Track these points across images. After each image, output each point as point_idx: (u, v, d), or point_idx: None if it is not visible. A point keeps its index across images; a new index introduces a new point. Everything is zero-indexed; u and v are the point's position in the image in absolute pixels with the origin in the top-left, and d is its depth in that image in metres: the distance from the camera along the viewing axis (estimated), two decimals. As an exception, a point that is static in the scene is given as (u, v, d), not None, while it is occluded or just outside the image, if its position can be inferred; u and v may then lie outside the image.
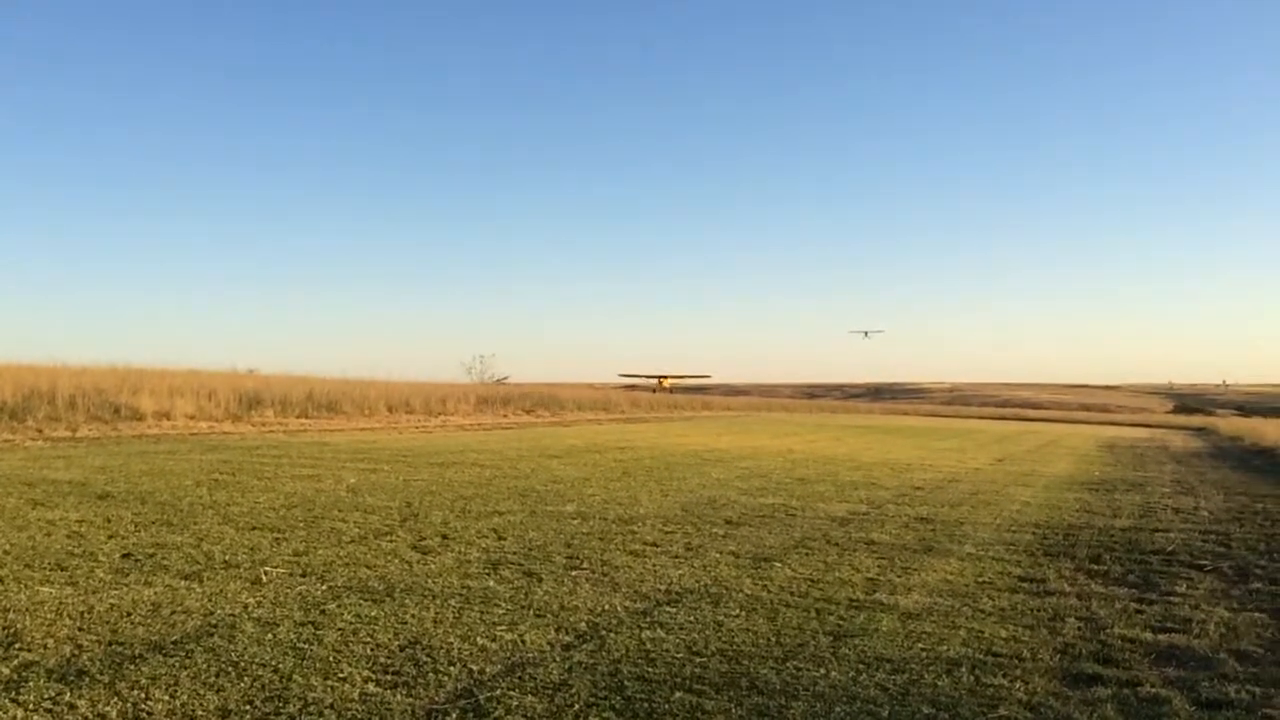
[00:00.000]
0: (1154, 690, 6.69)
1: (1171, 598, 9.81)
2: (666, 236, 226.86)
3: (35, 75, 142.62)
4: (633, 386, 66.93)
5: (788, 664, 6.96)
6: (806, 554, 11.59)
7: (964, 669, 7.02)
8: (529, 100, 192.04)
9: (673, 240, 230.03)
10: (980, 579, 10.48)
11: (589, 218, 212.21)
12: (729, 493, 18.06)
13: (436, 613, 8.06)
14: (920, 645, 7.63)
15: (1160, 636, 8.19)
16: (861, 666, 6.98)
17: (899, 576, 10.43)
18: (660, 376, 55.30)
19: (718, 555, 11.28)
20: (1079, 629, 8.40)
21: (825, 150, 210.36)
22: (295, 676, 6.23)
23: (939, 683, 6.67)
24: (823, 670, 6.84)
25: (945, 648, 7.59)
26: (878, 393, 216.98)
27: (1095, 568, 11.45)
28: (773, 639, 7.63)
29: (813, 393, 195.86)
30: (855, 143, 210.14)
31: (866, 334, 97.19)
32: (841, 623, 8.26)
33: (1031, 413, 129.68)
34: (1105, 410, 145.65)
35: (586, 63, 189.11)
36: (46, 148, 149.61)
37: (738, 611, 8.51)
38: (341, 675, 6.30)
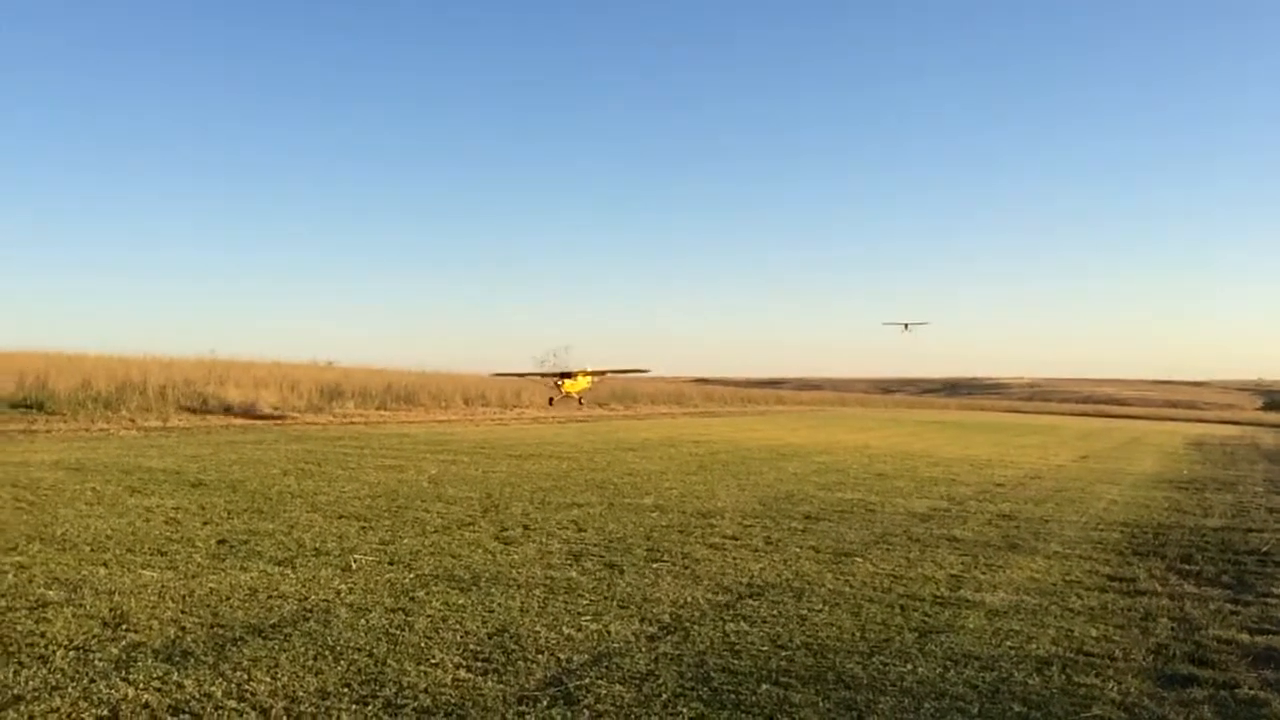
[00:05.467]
0: (1252, 692, 6.53)
1: (1268, 599, 9.54)
2: (734, 235, 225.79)
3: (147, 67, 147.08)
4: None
5: (873, 659, 6.93)
6: (888, 550, 11.51)
7: (1054, 668, 6.93)
8: (601, 98, 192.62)
9: (740, 238, 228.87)
10: (1068, 577, 10.31)
11: (661, 213, 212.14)
12: (806, 487, 17.98)
13: (522, 602, 8.18)
14: (1008, 643, 7.54)
15: (1258, 638, 7.98)
16: (949, 663, 6.92)
17: (984, 573, 10.30)
18: (562, 375, 37.40)
19: (798, 550, 11.26)
20: (1172, 629, 8.23)
21: (903, 142, 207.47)
22: (389, 661, 6.39)
23: (1029, 681, 6.60)
24: (909, 666, 6.80)
25: (1034, 646, 7.49)
26: (954, 388, 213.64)
27: (1187, 568, 11.17)
28: (857, 634, 7.60)
29: (887, 387, 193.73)
30: (930, 134, 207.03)
31: (906, 326, 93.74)
32: (927, 619, 8.20)
33: (1115, 409, 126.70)
34: (1192, 407, 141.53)
35: (675, 60, 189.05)
36: (135, 146, 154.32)
37: (821, 606, 8.49)
38: (433, 661, 6.44)
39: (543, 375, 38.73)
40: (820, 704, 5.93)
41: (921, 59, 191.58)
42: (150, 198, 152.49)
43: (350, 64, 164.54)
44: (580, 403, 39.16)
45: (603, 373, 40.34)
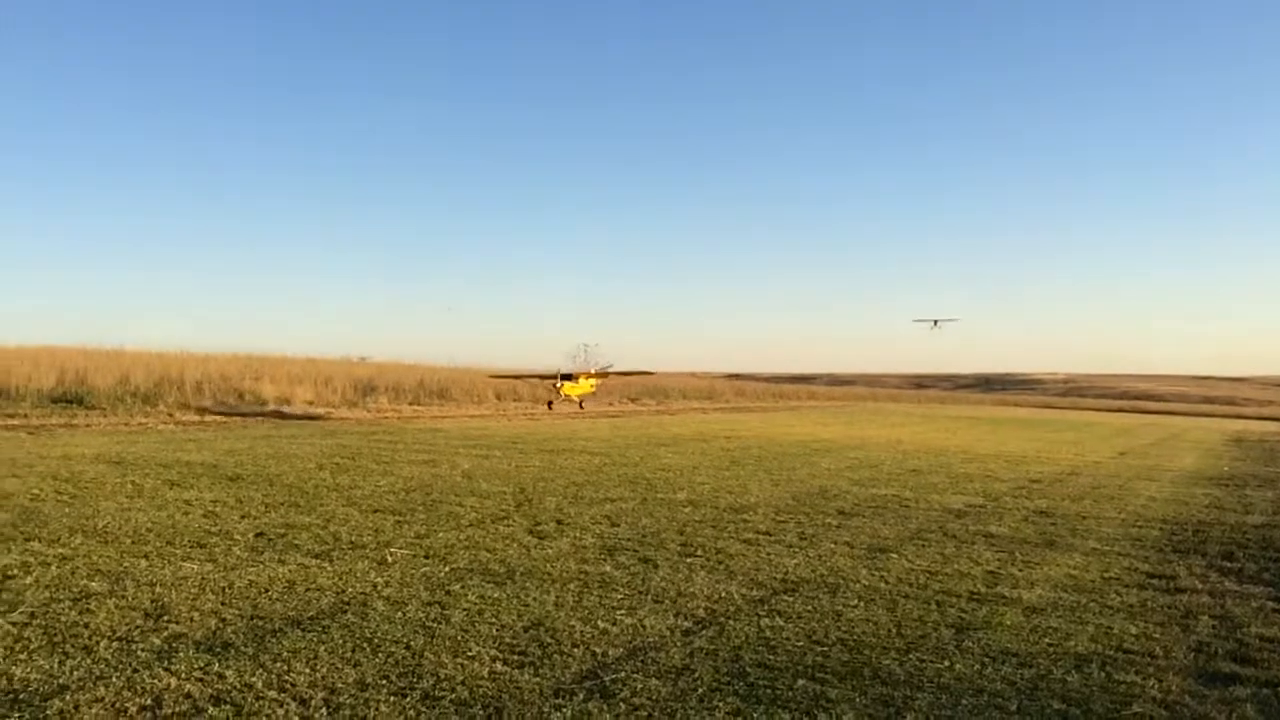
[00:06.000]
0: (1298, 692, 6.43)
1: (1313, 598, 9.39)
2: (766, 231, 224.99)
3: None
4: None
5: (910, 655, 6.89)
6: (923, 546, 11.44)
7: (1094, 665, 6.86)
8: (631, 93, 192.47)
9: (772, 234, 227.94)
10: (1106, 574, 10.20)
11: (693, 208, 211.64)
12: (840, 483, 17.90)
13: (557, 596, 8.21)
14: (1047, 640, 7.47)
15: (1303, 637, 7.86)
16: (986, 660, 6.87)
17: (1020, 570, 10.21)
18: (562, 376, 33.59)
19: (832, 545, 11.21)
20: (1213, 627, 8.13)
21: (938, 139, 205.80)
22: (426, 654, 6.43)
23: (1068, 678, 6.53)
24: (946, 663, 6.76)
25: (1073, 643, 7.42)
26: (988, 383, 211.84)
27: (1228, 565, 11.03)
28: (893, 630, 7.56)
29: (920, 383, 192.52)
30: (965, 131, 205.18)
31: (935, 323, 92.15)
32: (963, 615, 8.14)
33: (1152, 405, 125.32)
34: (1231, 403, 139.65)
35: (712, 57, 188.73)
36: (169, 145, 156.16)
37: (856, 602, 8.45)
38: (470, 654, 6.47)
39: (540, 377, 36.06)
40: (857, 700, 5.91)
41: (954, 56, 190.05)
42: (184, 196, 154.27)
43: (377, 60, 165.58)
44: (581, 406, 35.99)
45: (605, 374, 37.33)
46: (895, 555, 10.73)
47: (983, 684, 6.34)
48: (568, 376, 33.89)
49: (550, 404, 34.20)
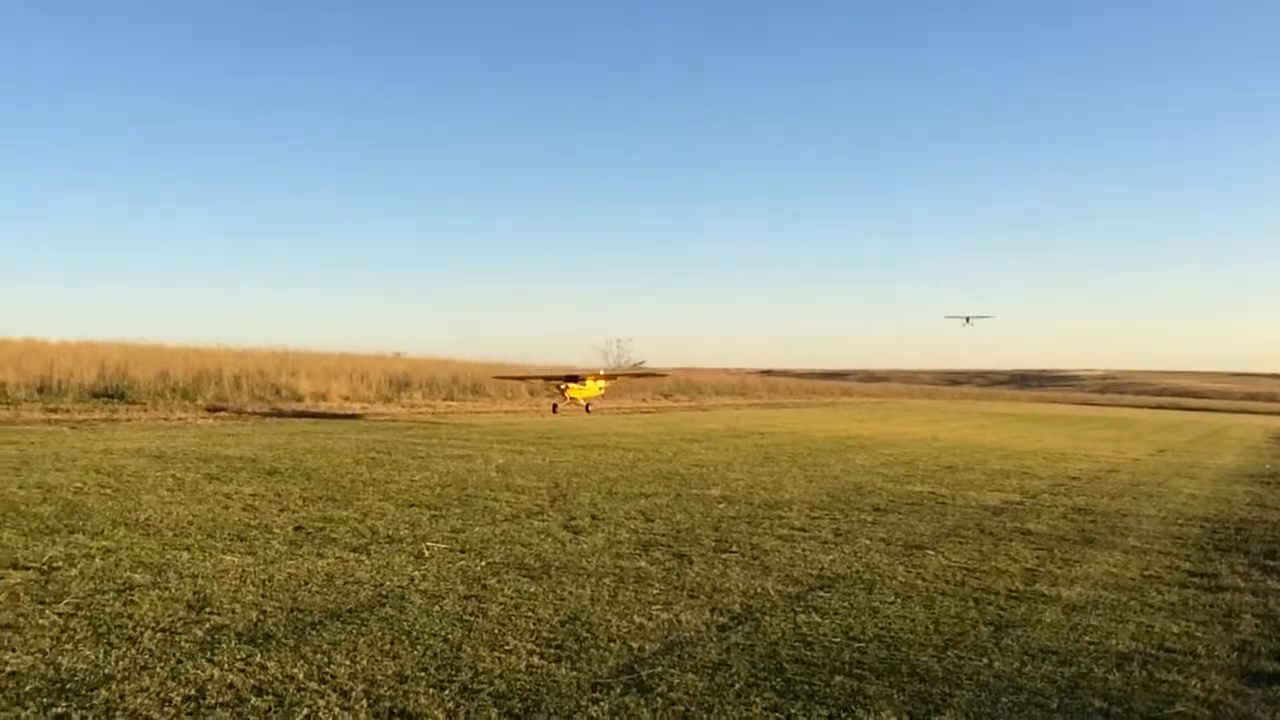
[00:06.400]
0: (1345, 693, 6.33)
1: (1360, 598, 9.23)
2: (797, 225, 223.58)
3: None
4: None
5: (948, 652, 6.85)
6: (960, 543, 11.36)
7: (1135, 664, 6.79)
8: (676, 90, 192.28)
9: (804, 228, 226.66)
10: (1146, 572, 10.08)
11: (724, 202, 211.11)
12: (875, 479, 17.82)
13: (593, 591, 8.23)
14: (1087, 638, 7.40)
15: (1349, 637, 7.73)
16: (1026, 658, 6.82)
17: (1059, 568, 10.12)
18: (568, 378, 32.60)
19: (868, 542, 11.16)
20: (1257, 626, 8.02)
21: (974, 133, 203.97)
22: (464, 647, 6.47)
23: (1109, 677, 6.47)
24: (985, 660, 6.71)
25: (1114, 641, 7.35)
26: (1024, 380, 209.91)
27: (1271, 564, 10.87)
28: (931, 627, 7.52)
29: (954, 379, 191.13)
30: (1002, 125, 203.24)
31: (968, 320, 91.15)
32: (1002, 613, 8.08)
33: (1193, 402, 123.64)
34: (1274, 400, 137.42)
35: (746, 50, 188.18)
36: (207, 142, 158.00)
37: (892, 598, 8.41)
38: (507, 647, 6.50)
39: (546, 378, 34.01)
40: (895, 696, 5.88)
41: (987, 49, 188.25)
42: (220, 193, 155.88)
43: (415, 54, 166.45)
44: (587, 409, 33.11)
45: (614, 376, 36.30)
46: (932, 552, 10.67)
47: (1022, 682, 6.29)
48: (573, 378, 32.23)
49: (555, 407, 31.77)
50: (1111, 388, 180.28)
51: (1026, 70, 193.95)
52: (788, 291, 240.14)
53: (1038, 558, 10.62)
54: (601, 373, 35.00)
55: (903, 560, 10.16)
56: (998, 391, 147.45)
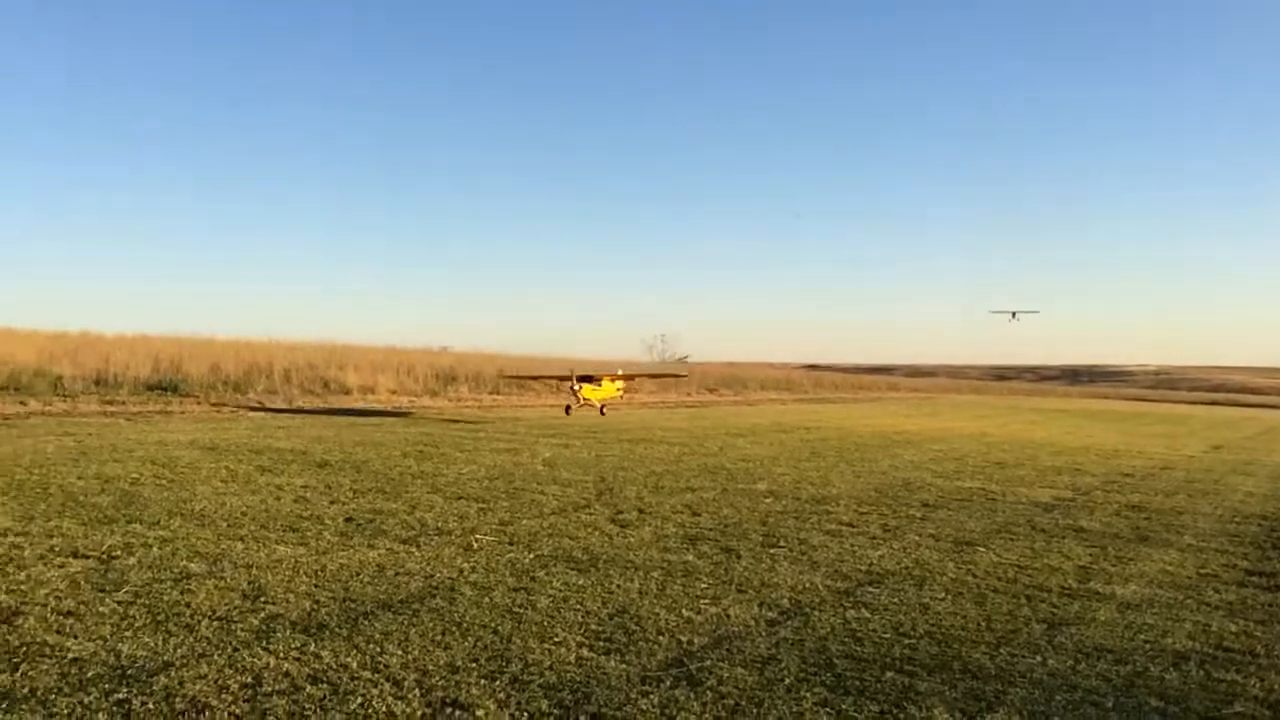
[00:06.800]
0: None
1: None
2: (841, 220, 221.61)
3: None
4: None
5: (1001, 650, 6.77)
6: (1011, 539, 11.23)
7: (1192, 663, 6.67)
8: (721, 84, 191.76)
9: (848, 223, 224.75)
10: (1203, 571, 9.91)
11: (771, 199, 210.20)
12: (923, 475, 17.66)
13: (640, 584, 8.23)
14: (1142, 637, 7.29)
15: None
16: (1080, 656, 6.72)
17: (1113, 566, 9.97)
18: (581, 378, 29.95)
19: (917, 538, 11.07)
20: (1319, 627, 7.83)
21: (1025, 126, 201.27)
22: (514, 638, 6.50)
23: (1166, 676, 6.36)
24: (1039, 658, 6.62)
25: (1170, 640, 7.23)
26: (1074, 375, 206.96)
27: (1334, 564, 10.62)
28: (982, 624, 7.43)
29: (1002, 374, 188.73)
30: (1050, 119, 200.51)
31: (1014, 315, 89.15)
32: (1055, 611, 7.97)
33: (1249, 398, 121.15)
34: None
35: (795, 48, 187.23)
36: (260, 141, 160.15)
37: (943, 595, 8.33)
38: (557, 639, 6.53)
39: (559, 379, 30.97)
40: (947, 693, 5.82)
41: (1044, 41, 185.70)
42: (269, 190, 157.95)
43: (455, 51, 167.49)
44: (602, 412, 29.91)
45: (632, 377, 33.19)
46: (982, 549, 10.55)
47: (1077, 680, 6.21)
48: (587, 378, 29.79)
49: (568, 409, 28.86)
50: (1164, 383, 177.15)
51: (1082, 67, 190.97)
52: (832, 287, 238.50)
53: (1091, 555, 10.47)
54: (620, 372, 32.46)
55: (953, 556, 10.06)
56: (1048, 387, 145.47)
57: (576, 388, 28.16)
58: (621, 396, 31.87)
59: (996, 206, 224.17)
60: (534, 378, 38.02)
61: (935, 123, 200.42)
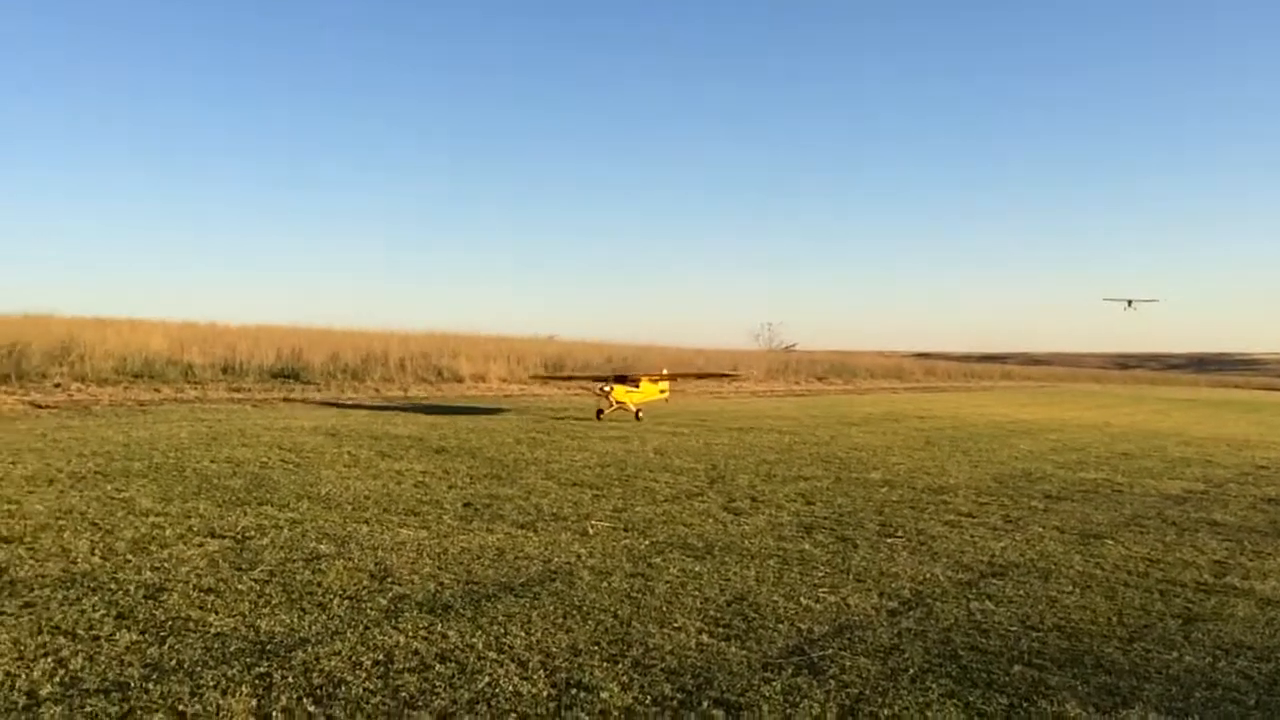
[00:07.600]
0: None
1: None
2: (955, 208, 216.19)
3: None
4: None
5: (1134, 645, 6.55)
6: (1140, 532, 10.84)
7: (1343, 664, 6.34)
8: (826, 74, 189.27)
9: (963, 210, 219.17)
10: (1351, 568, 9.40)
11: (882, 188, 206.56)
12: (1043, 465, 17.17)
13: (757, 572, 8.21)
14: (1286, 634, 6.96)
15: None
16: (1219, 652, 6.46)
17: (1251, 560, 9.54)
18: (616, 379, 25.40)
19: (1040, 529, 10.77)
20: None
21: (1152, 108, 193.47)
22: (633, 623, 6.55)
23: (1313, 676, 6.06)
24: (1174, 654, 6.39)
25: (1317, 639, 6.88)
26: (1201, 363, 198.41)
27: None
28: (1114, 619, 7.20)
29: (1125, 363, 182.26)
30: (1168, 102, 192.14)
31: (1130, 303, 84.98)
32: (1190, 606, 7.67)
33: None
34: None
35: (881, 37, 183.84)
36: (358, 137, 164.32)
37: (1071, 588, 8.09)
38: (676, 625, 6.56)
39: (594, 379, 26.96)
40: (1079, 688, 5.66)
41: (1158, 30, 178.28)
42: (374, 184, 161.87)
43: (567, 48, 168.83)
44: (638, 416, 25.02)
45: (674, 377, 29.13)
46: (1110, 541, 10.21)
47: (1216, 677, 5.97)
48: (622, 379, 26.04)
49: (600, 413, 24.64)
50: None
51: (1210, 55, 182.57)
52: (945, 273, 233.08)
53: (1227, 549, 10.05)
54: (664, 372, 29.19)
55: (1079, 549, 9.76)
56: (1173, 376, 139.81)
57: (607, 389, 24.81)
58: (666, 400, 28.65)
59: (1116, 191, 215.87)
60: (569, 378, 34.51)
61: (1058, 118, 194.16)
